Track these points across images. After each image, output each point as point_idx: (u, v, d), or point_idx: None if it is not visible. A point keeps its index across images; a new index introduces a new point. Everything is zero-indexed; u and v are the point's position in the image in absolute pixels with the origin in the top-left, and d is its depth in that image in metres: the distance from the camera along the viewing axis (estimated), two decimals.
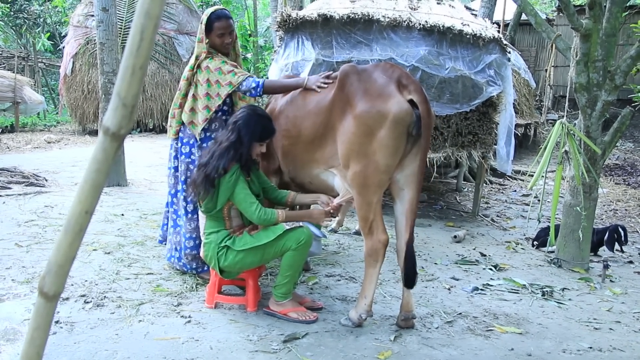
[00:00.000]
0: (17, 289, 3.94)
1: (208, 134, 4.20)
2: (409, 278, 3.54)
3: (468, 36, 6.35)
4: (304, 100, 3.94)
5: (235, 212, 3.69)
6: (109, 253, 4.78)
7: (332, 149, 3.67)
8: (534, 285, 4.70)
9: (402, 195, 3.65)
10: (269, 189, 3.93)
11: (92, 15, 13.51)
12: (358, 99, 3.48)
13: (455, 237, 6.06)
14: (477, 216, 7.40)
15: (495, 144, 6.99)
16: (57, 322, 3.43)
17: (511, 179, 10.54)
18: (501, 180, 10.34)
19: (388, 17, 6.42)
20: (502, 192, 9.56)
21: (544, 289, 4.60)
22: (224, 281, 3.94)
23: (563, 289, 4.70)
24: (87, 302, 3.75)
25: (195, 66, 4.11)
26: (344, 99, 3.57)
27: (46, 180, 7.42)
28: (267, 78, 5.77)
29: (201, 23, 4.10)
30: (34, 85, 16.62)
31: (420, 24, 6.37)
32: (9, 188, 6.78)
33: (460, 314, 3.99)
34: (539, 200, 6.62)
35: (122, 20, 13.67)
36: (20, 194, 6.54)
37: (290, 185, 4.42)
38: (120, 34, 13.39)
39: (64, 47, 14.62)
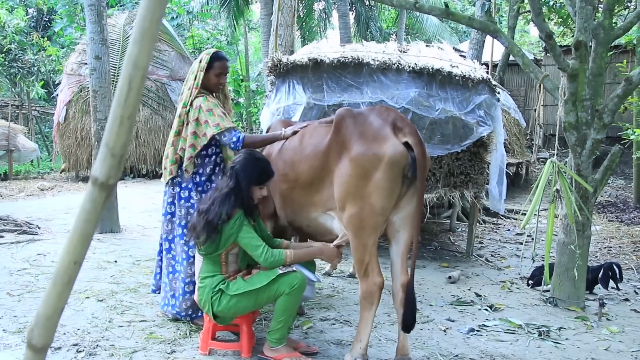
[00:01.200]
0: (8, 339, 3.88)
1: (203, 178, 4.24)
2: (407, 322, 3.51)
3: (457, 77, 6.43)
4: (301, 144, 3.97)
5: (233, 257, 3.67)
6: (101, 300, 4.72)
7: (330, 192, 3.68)
8: (530, 325, 4.67)
9: (398, 237, 3.65)
10: (265, 238, 3.89)
11: (86, 63, 13.66)
12: (354, 142, 3.51)
13: (449, 277, 6.03)
14: (471, 256, 7.38)
15: (488, 184, 7.02)
16: None
17: (504, 218, 10.56)
18: (494, 219, 10.36)
19: (378, 60, 6.51)
20: (496, 232, 9.55)
21: (541, 329, 4.57)
22: (218, 327, 3.89)
23: (560, 329, 4.67)
24: (80, 352, 3.69)
25: (188, 104, 4.17)
26: (340, 142, 3.60)
27: (39, 227, 7.39)
28: (258, 122, 5.80)
29: (199, 61, 4.22)
30: (28, 133, 16.68)
31: (409, 67, 6.46)
32: (1, 237, 6.73)
33: (456, 356, 3.94)
34: (532, 239, 6.62)
35: (115, 67, 13.80)
36: (12, 242, 6.50)
37: (286, 230, 4.43)
38: (113, 81, 13.52)
39: (57, 95, 14.72)
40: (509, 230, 9.67)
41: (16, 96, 19.24)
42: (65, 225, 7.76)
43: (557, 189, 4.47)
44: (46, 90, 18.52)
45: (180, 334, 4.08)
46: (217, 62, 4.24)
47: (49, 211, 8.78)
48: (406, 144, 3.44)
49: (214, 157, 4.28)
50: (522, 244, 8.49)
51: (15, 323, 4.16)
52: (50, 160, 18.18)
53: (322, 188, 3.73)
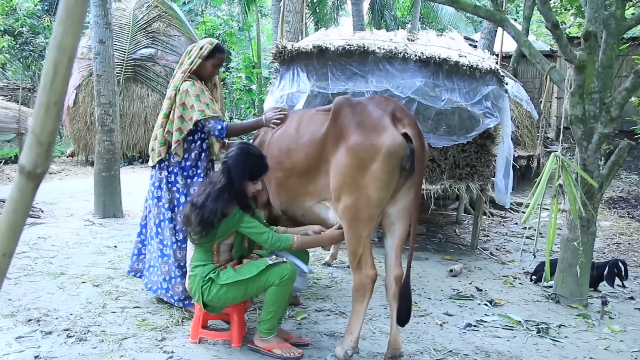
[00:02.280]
0: (0, 322, 3.87)
1: (188, 163, 4.27)
2: (402, 316, 3.45)
3: (464, 67, 6.31)
4: (297, 133, 3.90)
5: (225, 247, 3.63)
6: (97, 286, 4.70)
7: (325, 182, 3.62)
8: (530, 322, 4.58)
9: (393, 230, 3.58)
10: None
11: None
12: (351, 132, 3.44)
13: (451, 271, 5.95)
14: (475, 249, 7.29)
15: (494, 176, 6.91)
16: (36, 356, 3.36)
17: (512, 212, 10.43)
18: (502, 212, 10.23)
19: (384, 49, 6.40)
20: (503, 225, 9.44)
21: (540, 326, 4.49)
22: (210, 315, 3.86)
23: (559, 326, 4.58)
24: (70, 337, 3.67)
25: (179, 87, 4.19)
26: (337, 131, 3.52)
27: (42, 211, 7.39)
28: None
29: (200, 48, 4.24)
30: None
31: (416, 56, 6.35)
32: None
33: (450, 351, 3.88)
34: (540, 234, 6.52)
35: (125, 52, 13.78)
36: None
37: (279, 219, 4.37)
38: (123, 67, 13.52)
39: None
40: (516, 224, 9.55)
41: (29, 80, 19.28)
42: (68, 209, 7.75)
43: (560, 184, 4.36)
44: None
45: (172, 322, 4.04)
46: (218, 53, 4.29)
47: (54, 195, 8.78)
48: (405, 135, 3.36)
49: (199, 142, 4.29)
50: (529, 238, 8.39)
51: (9, 306, 4.15)
52: (61, 144, 18.23)
53: (318, 177, 3.66)
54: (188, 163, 4.26)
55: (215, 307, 3.63)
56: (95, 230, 6.64)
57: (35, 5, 17.37)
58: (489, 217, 9.81)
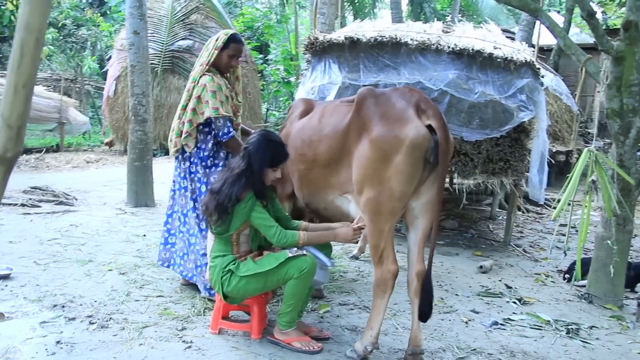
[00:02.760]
0: (27, 307, 3.94)
1: (206, 153, 4.28)
2: (424, 312, 3.38)
3: (499, 60, 6.18)
4: (320, 124, 3.86)
5: (245, 237, 3.60)
6: (123, 274, 4.75)
7: (348, 174, 3.56)
8: (559, 322, 4.45)
9: (417, 224, 3.50)
10: (283, 219, 3.80)
11: None
12: (375, 123, 3.37)
13: (481, 267, 5.83)
14: (508, 246, 7.14)
15: (528, 172, 6.75)
16: (58, 342, 3.40)
17: (549, 208, 10.19)
18: (538, 208, 10.01)
19: (416, 40, 6.31)
20: (538, 221, 9.24)
21: (570, 326, 4.36)
22: (231, 306, 3.86)
23: (591, 327, 4.43)
24: (92, 323, 3.71)
25: (197, 80, 4.20)
26: (360, 122, 3.47)
27: (76, 199, 7.51)
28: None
29: (216, 39, 4.24)
30: (80, 106, 17.01)
31: (449, 47, 6.24)
32: (39, 206, 6.87)
33: (474, 349, 3.79)
34: (574, 228, 6.34)
35: (163, 44, 13.91)
36: (48, 213, 6.63)
37: (304, 211, 4.34)
38: (160, 58, 13.65)
39: (108, 70, 14.96)
40: (554, 220, 9.30)
41: (73, 70, 19.64)
42: (102, 197, 7.87)
43: (592, 180, 4.22)
44: (99, 65, 18.85)
45: (194, 311, 4.05)
46: (233, 43, 4.26)
47: (89, 183, 8.93)
48: (429, 127, 3.28)
49: (214, 132, 4.26)
50: (565, 235, 8.19)
51: (36, 291, 4.22)
52: (104, 134, 18.57)
53: (340, 170, 3.61)
54: (205, 153, 4.27)
55: (235, 298, 3.61)
56: (126, 219, 6.72)
57: None
58: (524, 213, 9.61)
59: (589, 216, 4.36)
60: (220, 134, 4.14)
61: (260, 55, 20.56)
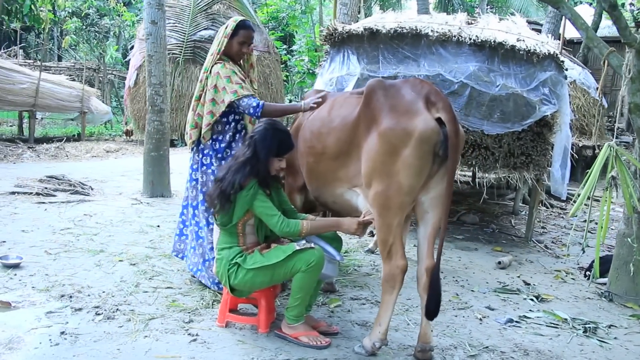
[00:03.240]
0: (34, 296, 3.95)
1: (222, 145, 4.22)
2: (430, 309, 3.30)
3: (521, 52, 6.03)
4: (329, 116, 3.79)
5: (250, 228, 3.55)
6: (134, 264, 4.74)
7: (356, 167, 3.49)
8: (577, 320, 4.33)
9: (426, 219, 3.42)
10: (289, 211, 3.76)
11: None
12: (384, 115, 3.29)
13: (499, 263, 5.72)
14: (529, 241, 7.00)
15: (550, 166, 6.60)
16: (62, 332, 3.39)
17: (574, 203, 9.96)
18: (562, 204, 9.81)
19: (437, 32, 6.19)
20: (562, 217, 9.05)
21: (587, 325, 4.23)
22: (240, 299, 3.81)
23: (609, 326, 4.31)
24: (99, 314, 3.71)
25: (209, 70, 4.13)
26: (369, 115, 3.39)
27: (92, 188, 7.55)
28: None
29: (225, 27, 4.18)
30: (102, 96, 17.14)
31: (470, 39, 6.11)
32: (54, 195, 6.91)
33: (487, 347, 3.70)
34: (602, 227, 6.16)
35: (185, 34, 13.90)
36: (63, 202, 6.66)
37: (316, 205, 4.28)
38: (182, 48, 13.67)
39: (130, 60, 15.03)
40: (576, 216, 9.12)
41: (97, 60, 19.81)
42: (118, 187, 7.90)
43: (612, 176, 4.09)
44: (122, 54, 18.96)
45: (202, 304, 4.02)
46: (242, 30, 4.19)
47: (106, 173, 8.98)
48: (439, 120, 3.19)
49: (233, 124, 4.23)
50: (589, 232, 8.02)
51: (45, 281, 4.23)
52: (126, 123, 18.68)
53: (349, 163, 3.54)
54: (222, 145, 4.22)
55: (243, 291, 3.57)
56: (141, 209, 6.72)
57: None
58: (547, 208, 9.43)
59: (608, 213, 4.24)
60: (251, 112, 3.98)
61: (284, 46, 20.51)
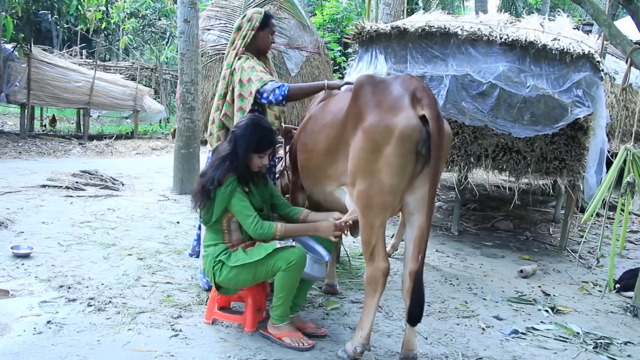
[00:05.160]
0: (34, 286, 4.03)
1: None
2: (413, 315, 3.16)
3: (554, 52, 5.78)
4: (322, 114, 3.73)
5: (235, 225, 3.51)
6: (142, 259, 4.78)
7: (345, 165, 3.39)
8: (590, 335, 4.08)
9: (412, 221, 3.29)
10: (281, 205, 3.72)
11: (208, 29, 14.03)
12: (369, 112, 3.19)
13: (521, 271, 5.47)
14: (563, 250, 6.69)
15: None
16: (49, 322, 3.44)
17: (622, 212, 9.48)
18: (611, 213, 9.35)
19: (466, 31, 6.00)
20: (607, 227, 8.61)
21: (600, 340, 3.98)
22: (231, 297, 3.78)
23: (626, 343, 4.03)
24: (90, 306, 3.75)
25: (233, 64, 4.01)
26: (356, 111, 3.29)
27: (123, 184, 7.69)
28: None
29: (249, 20, 4.03)
30: (157, 95, 17.51)
31: (501, 38, 5.90)
32: (83, 189, 7.06)
33: (481, 358, 3.53)
34: (617, 237, 5.82)
35: (231, 32, 14.00)
36: (90, 196, 6.80)
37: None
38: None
39: None
40: (620, 226, 8.68)
41: (156, 59, 20.25)
42: (150, 183, 8.02)
43: (628, 181, 3.84)
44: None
45: (196, 300, 4.01)
46: (271, 19, 4.11)
47: (142, 169, 9.14)
48: (423, 117, 3.06)
49: None
50: (633, 243, 7.65)
51: (49, 271, 4.31)
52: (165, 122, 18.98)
53: (337, 160, 3.45)
54: None
55: (228, 289, 3.53)
56: (166, 206, 6.80)
57: None
58: (595, 217, 8.98)
59: (626, 220, 3.99)
60: (276, 94, 3.73)
61: (339, 48, 20.46)
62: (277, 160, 4.40)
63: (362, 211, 3.21)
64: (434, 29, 6.13)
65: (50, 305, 3.69)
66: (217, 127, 4.13)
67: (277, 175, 4.36)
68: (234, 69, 3.99)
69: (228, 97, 4.04)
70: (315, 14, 22.09)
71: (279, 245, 3.29)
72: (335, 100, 3.73)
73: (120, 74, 16.97)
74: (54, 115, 16.34)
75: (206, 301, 4.00)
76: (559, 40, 6.02)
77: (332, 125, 3.49)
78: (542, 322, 4.28)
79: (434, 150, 2.99)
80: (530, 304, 4.68)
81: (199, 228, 4.43)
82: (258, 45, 4.07)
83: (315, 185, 3.77)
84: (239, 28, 4.10)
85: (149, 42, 19.24)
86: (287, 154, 4.42)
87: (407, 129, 3.01)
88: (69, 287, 4.00)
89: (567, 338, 4.02)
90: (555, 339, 3.99)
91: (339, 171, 3.45)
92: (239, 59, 3.99)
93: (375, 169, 3.09)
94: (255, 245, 3.42)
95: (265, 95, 3.79)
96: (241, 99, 3.95)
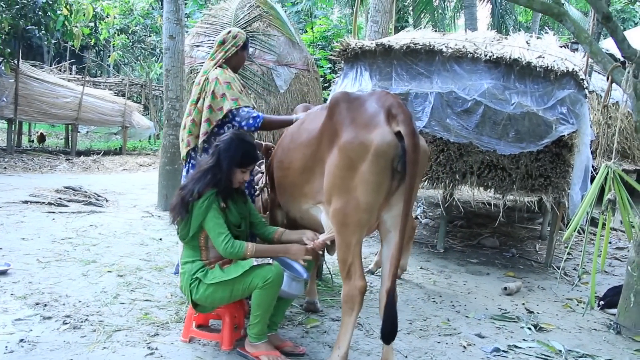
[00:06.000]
0: (9, 303, 3.97)
1: None
2: (385, 333, 3.12)
3: (538, 69, 5.80)
4: (298, 131, 3.70)
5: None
6: (121, 276, 4.73)
7: (320, 183, 3.37)
8: (573, 353, 4.05)
9: (389, 239, 3.27)
10: (257, 224, 3.69)
11: (197, 46, 14.01)
12: (344, 129, 3.17)
13: (505, 288, 5.45)
14: (548, 267, 6.67)
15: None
16: (22, 340, 3.38)
17: (611, 230, 9.48)
18: (595, 229, 9.34)
19: (451, 48, 6.02)
20: (592, 243, 8.60)
21: (582, 358, 3.96)
22: (210, 315, 3.73)
23: None
24: (66, 324, 3.69)
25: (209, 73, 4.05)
26: (332, 128, 3.27)
27: (107, 200, 7.64)
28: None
29: (234, 37, 4.15)
30: (146, 111, 17.47)
31: (485, 55, 5.93)
32: (66, 206, 7.00)
33: None
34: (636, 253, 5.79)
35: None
36: (73, 212, 6.75)
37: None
38: None
39: None
40: (609, 242, 8.69)
41: (145, 76, 20.25)
42: (135, 200, 7.97)
43: (609, 199, 3.83)
44: None
45: (175, 318, 3.96)
46: (249, 44, 4.35)
47: (127, 186, 9.09)
48: (399, 134, 3.04)
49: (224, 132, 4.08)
50: (618, 259, 7.64)
51: (25, 289, 4.25)
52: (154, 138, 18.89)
53: (313, 178, 3.42)
54: None
55: (205, 306, 3.48)
56: (149, 222, 6.74)
57: (150, 5, 18.22)
58: (580, 234, 9.00)
59: (607, 237, 3.98)
60: (250, 122, 3.87)
61: (329, 65, 20.52)
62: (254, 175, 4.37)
63: (338, 229, 3.18)
64: (419, 46, 6.15)
65: (24, 323, 3.63)
66: (187, 133, 4.13)
67: (257, 193, 4.34)
68: (208, 78, 4.01)
69: (199, 104, 4.04)
70: (306, 31, 22.18)
71: (255, 263, 3.25)
72: (311, 117, 3.72)
73: (110, 89, 16.92)
74: (42, 132, 16.27)
75: (184, 319, 3.95)
76: (543, 57, 6.05)
77: (307, 143, 3.47)
78: (524, 339, 4.25)
79: (409, 166, 2.97)
80: (514, 321, 4.64)
81: None
82: (236, 62, 4.17)
83: (292, 203, 3.74)
84: (223, 42, 4.16)
85: (139, 58, 19.23)
86: (266, 172, 4.39)
87: (382, 146, 2.99)
88: (45, 305, 3.94)
89: (549, 356, 3.98)
90: (537, 357, 3.96)
91: (314, 189, 3.43)
92: (215, 69, 4.03)
93: (351, 187, 3.07)
94: (232, 263, 3.38)
95: (238, 119, 3.91)
96: (210, 110, 3.96)
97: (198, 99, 4.06)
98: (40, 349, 3.31)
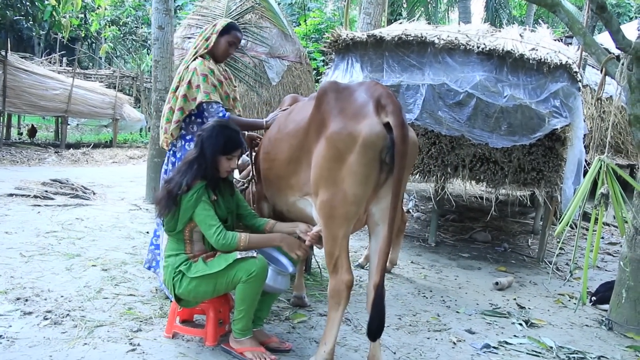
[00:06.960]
0: None
1: (192, 145, 4.02)
2: (372, 329, 3.04)
3: (531, 61, 5.73)
4: (285, 122, 3.62)
5: (198, 235, 3.38)
6: (106, 270, 4.63)
7: (307, 175, 3.28)
8: (564, 349, 3.99)
9: (377, 232, 3.19)
10: (247, 216, 3.61)
11: (189, 37, 13.90)
12: (332, 119, 3.08)
13: (496, 283, 5.38)
14: (541, 262, 6.62)
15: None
16: (0, 336, 3.27)
17: (603, 224, 9.44)
18: (587, 224, 9.30)
19: (443, 40, 5.94)
20: (585, 238, 8.55)
21: (573, 355, 3.89)
22: (194, 310, 3.65)
23: (600, 357, 3.95)
24: (47, 319, 3.60)
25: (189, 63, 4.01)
26: (319, 118, 3.18)
27: (94, 193, 7.52)
28: None
29: (214, 26, 4.09)
30: (138, 103, 17.31)
31: (478, 47, 5.85)
32: (52, 199, 6.89)
33: None
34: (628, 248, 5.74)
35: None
36: (59, 205, 6.63)
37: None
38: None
39: None
40: (602, 237, 8.64)
41: (137, 68, 20.08)
42: (123, 193, 7.87)
43: (602, 193, 3.76)
44: None
45: (159, 313, 3.88)
46: (233, 30, 4.11)
47: (115, 178, 8.98)
48: (388, 125, 2.95)
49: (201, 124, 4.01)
50: (611, 254, 7.59)
51: (7, 283, 4.16)
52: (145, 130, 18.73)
53: (300, 170, 3.33)
54: (192, 145, 4.02)
55: (189, 301, 3.40)
56: (137, 215, 6.65)
57: None
58: (572, 228, 8.95)
59: (599, 232, 3.91)
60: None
61: (322, 58, 20.43)
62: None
63: (325, 222, 3.10)
64: (411, 38, 6.07)
65: (4, 319, 3.53)
66: (165, 120, 4.09)
67: (244, 185, 4.26)
68: (187, 67, 3.97)
69: (177, 92, 3.99)
70: (299, 24, 22.06)
71: (239, 256, 3.17)
72: (298, 107, 3.63)
73: (101, 82, 16.75)
74: (33, 125, 16.10)
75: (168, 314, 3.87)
76: (536, 50, 5.98)
77: (294, 134, 3.38)
78: (515, 335, 4.18)
79: (397, 158, 2.89)
80: (504, 317, 4.58)
81: (155, 233, 4.31)
82: (216, 51, 4.06)
83: (278, 195, 3.66)
84: (207, 39, 4.07)
85: (130, 50, 19.06)
86: (253, 163, 4.30)
87: (370, 137, 2.90)
88: (26, 300, 3.85)
89: (539, 352, 3.92)
90: (527, 353, 3.89)
91: (301, 181, 3.34)
92: (195, 59, 3.98)
93: (339, 178, 2.98)
94: (216, 256, 3.30)
95: (206, 114, 3.91)
96: (184, 99, 3.92)
97: (177, 87, 4.02)
98: (19, 345, 3.22)
